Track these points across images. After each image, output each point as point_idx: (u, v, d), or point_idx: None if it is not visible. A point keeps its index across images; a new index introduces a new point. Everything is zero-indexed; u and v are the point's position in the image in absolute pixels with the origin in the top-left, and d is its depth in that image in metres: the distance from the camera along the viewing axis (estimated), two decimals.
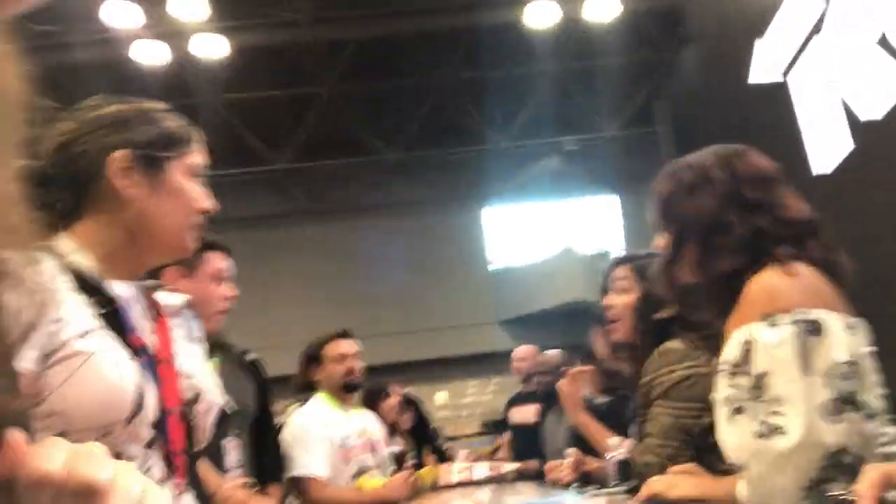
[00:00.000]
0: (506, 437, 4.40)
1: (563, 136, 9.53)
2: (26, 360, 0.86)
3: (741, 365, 1.09)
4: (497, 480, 3.28)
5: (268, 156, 9.45)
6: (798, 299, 1.08)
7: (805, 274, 1.13)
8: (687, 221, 1.27)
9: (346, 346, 2.73)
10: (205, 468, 1.30)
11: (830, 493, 0.82)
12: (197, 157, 1.21)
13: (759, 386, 1.06)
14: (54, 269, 0.98)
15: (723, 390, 1.12)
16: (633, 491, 1.61)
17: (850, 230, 2.11)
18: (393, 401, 3.90)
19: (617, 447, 1.73)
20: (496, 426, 8.34)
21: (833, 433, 0.99)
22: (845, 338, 1.05)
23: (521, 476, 3.36)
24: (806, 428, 0.99)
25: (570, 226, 9.29)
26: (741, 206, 1.23)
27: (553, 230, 9.31)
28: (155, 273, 1.79)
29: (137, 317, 1.14)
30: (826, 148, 2.38)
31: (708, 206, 1.25)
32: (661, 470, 1.53)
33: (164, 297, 1.25)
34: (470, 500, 2.17)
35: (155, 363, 1.10)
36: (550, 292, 8.54)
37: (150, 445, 1.05)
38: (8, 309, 0.46)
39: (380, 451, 2.70)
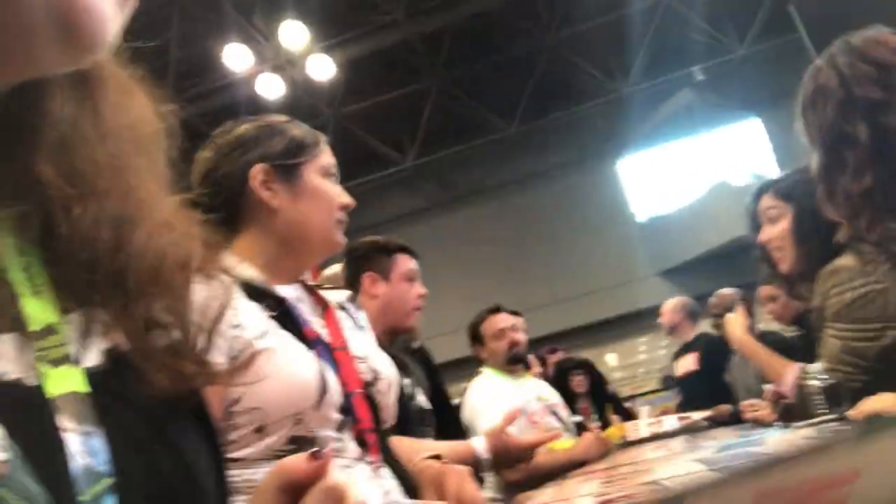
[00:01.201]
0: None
1: (691, 66, 8.92)
2: (218, 356, 0.94)
3: None
4: (689, 430, 3.13)
5: (395, 158, 9.74)
6: None
7: None
8: (816, 137, 1.17)
9: (502, 320, 2.73)
10: (402, 443, 1.35)
11: None
12: (327, 157, 1.27)
13: None
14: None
15: None
16: (845, 419, 1.45)
17: None
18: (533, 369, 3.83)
19: (817, 373, 1.56)
20: (674, 381, 8.03)
21: None
22: None
23: (714, 423, 3.17)
24: None
25: (718, 160, 8.63)
26: (861, 110, 1.09)
27: (700, 168, 8.71)
28: (354, 287, 1.92)
29: (307, 312, 1.21)
30: None
31: (827, 118, 1.14)
32: None
33: (329, 294, 1.31)
34: (663, 450, 2.09)
35: (331, 350, 1.16)
36: (708, 233, 8.00)
37: (340, 428, 1.10)
38: (197, 301, 0.50)
39: (561, 414, 2.67)
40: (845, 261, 1.50)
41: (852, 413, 1.29)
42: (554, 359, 4.55)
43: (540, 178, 9.59)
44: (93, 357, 0.43)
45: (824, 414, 1.52)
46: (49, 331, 0.41)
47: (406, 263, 2.07)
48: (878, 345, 1.41)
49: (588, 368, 4.25)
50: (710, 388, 3.58)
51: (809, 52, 4.54)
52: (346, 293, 1.37)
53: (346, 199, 1.28)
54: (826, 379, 1.54)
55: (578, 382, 4.10)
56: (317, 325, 1.20)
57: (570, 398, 3.75)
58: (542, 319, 8.25)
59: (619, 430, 3.19)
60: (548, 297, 8.46)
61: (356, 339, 1.25)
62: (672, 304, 4.15)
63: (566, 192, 9.31)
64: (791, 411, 1.82)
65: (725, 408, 3.31)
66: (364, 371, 1.19)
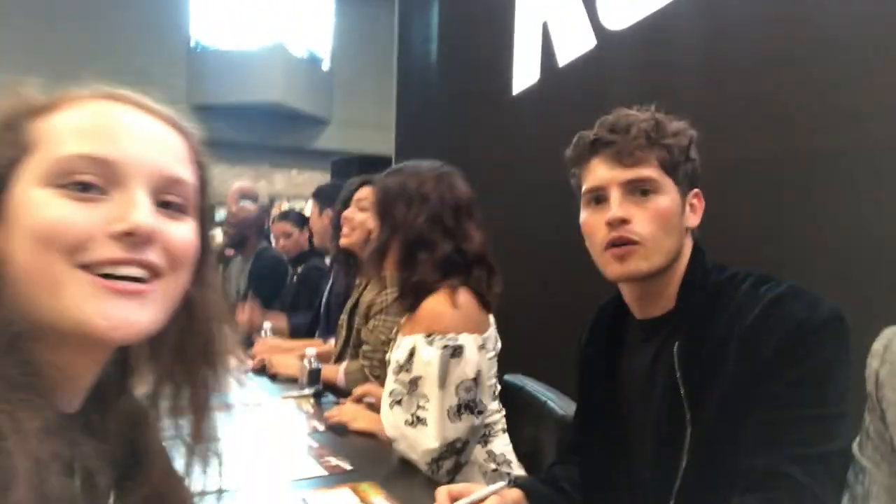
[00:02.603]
0: None
1: None
2: None
3: (405, 366, 1.41)
4: None
5: None
6: (453, 325, 1.40)
7: (465, 303, 1.44)
8: (399, 226, 1.48)
9: None
10: None
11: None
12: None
13: (413, 385, 1.39)
14: None
15: (389, 384, 1.43)
16: (316, 396, 1.93)
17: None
18: None
19: (312, 357, 2.00)
20: None
21: (454, 430, 1.37)
22: (476, 357, 1.40)
23: None
24: (438, 425, 1.36)
25: (284, 21, 8.60)
26: (442, 230, 1.48)
27: (265, 21, 8.53)
28: None
29: None
30: (569, 44, 2.59)
31: (420, 221, 1.47)
32: (365, 378, 1.93)
33: None
34: None
35: None
36: (253, 86, 8.05)
37: None
38: None
39: None
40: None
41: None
42: None
43: None
44: None
45: (303, 388, 1.97)
46: None
47: None
48: None
49: None
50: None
51: None
52: None
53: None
54: (315, 364, 2.00)
55: None
56: None
57: None
58: None
59: None
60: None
61: None
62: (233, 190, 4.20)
63: None
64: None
65: None
66: None
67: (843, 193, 1.37)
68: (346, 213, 2.18)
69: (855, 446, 0.82)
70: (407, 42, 4.73)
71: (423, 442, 1.36)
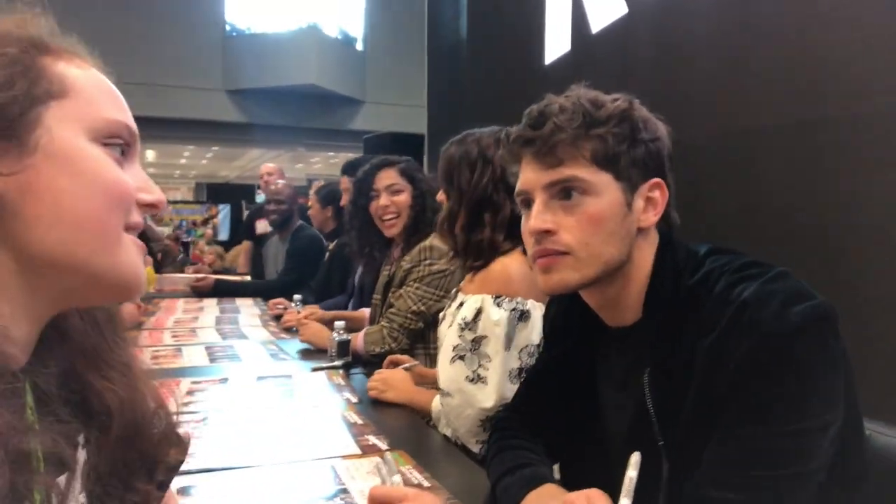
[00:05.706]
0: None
1: None
2: None
3: (470, 325, 1.41)
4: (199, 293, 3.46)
5: None
6: (522, 290, 1.41)
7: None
8: (465, 191, 1.49)
9: None
10: None
11: None
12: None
13: (477, 343, 1.39)
14: None
15: (452, 338, 1.43)
16: (346, 366, 1.94)
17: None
18: None
19: (340, 329, 2.01)
20: (210, 193, 8.19)
21: (512, 391, 1.36)
22: (540, 324, 1.37)
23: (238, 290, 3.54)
24: (498, 385, 1.37)
25: (317, 2, 8.58)
26: (507, 190, 1.46)
27: (298, 2, 8.53)
28: None
29: None
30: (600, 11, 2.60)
31: (484, 183, 1.48)
32: (383, 340, 1.98)
33: None
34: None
35: None
36: (288, 69, 8.07)
37: None
38: None
39: None
40: (437, 241, 1.98)
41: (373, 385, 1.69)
42: None
43: None
44: None
45: (333, 360, 1.98)
46: None
47: None
48: (438, 305, 1.92)
49: None
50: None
51: None
52: None
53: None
54: (344, 336, 2.00)
55: None
56: None
57: None
58: None
59: (150, 274, 3.27)
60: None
61: None
62: (269, 168, 4.52)
63: None
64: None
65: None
66: None
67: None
68: (381, 202, 2.15)
69: None
70: (437, 18, 4.69)
71: (480, 400, 1.38)
